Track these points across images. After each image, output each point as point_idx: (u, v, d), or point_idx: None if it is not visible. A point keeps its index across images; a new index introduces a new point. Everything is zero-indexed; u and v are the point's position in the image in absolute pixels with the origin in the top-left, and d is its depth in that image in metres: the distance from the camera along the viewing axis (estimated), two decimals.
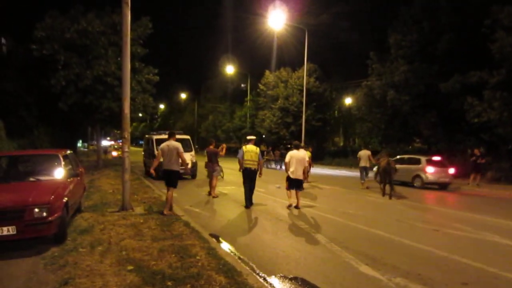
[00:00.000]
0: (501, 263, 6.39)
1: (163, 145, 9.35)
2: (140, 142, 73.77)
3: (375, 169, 16.98)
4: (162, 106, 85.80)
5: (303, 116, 30.85)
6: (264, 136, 43.98)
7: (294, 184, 10.85)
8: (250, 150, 10.74)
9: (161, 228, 7.88)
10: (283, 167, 12.82)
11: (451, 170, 17.52)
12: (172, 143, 9.32)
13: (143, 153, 23.50)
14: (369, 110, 28.04)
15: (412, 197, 14.12)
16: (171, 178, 9.40)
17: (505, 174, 19.95)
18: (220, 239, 7.68)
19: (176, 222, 8.48)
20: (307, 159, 16.00)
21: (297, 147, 10.89)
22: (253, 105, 49.66)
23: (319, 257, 6.56)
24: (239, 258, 6.42)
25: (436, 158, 18.02)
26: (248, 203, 10.94)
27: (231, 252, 6.79)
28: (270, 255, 6.68)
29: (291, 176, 10.70)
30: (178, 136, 12.20)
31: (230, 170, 19.39)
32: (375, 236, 8.09)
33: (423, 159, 17.86)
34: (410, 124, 26.03)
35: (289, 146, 32.76)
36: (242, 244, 7.36)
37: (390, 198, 13.42)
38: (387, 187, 14.01)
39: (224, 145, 13.72)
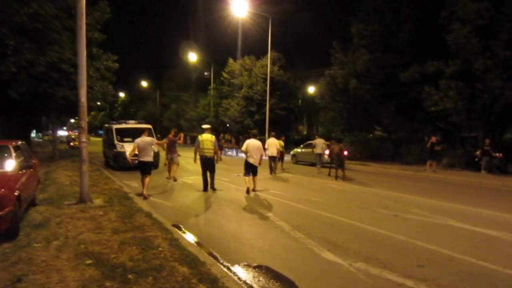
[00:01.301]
0: (454, 245, 6.68)
1: (138, 140, 10.90)
2: (100, 132, 71.14)
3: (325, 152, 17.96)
4: (122, 95, 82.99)
5: (267, 105, 30.59)
6: (228, 125, 43.54)
7: (250, 169, 11.61)
8: (206, 138, 11.46)
9: (122, 220, 7.66)
10: (239, 153, 14.43)
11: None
12: (145, 138, 10.94)
13: (103, 143, 22.76)
14: (332, 98, 28.31)
15: (370, 182, 14.58)
16: (146, 167, 10.99)
17: (458, 160, 20.92)
18: (183, 229, 7.57)
19: (138, 213, 8.27)
20: (278, 147, 17.55)
21: (254, 136, 11.99)
22: (217, 93, 48.82)
23: (282, 245, 6.60)
24: (203, 248, 6.34)
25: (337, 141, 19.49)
26: (205, 187, 11.75)
27: (195, 242, 6.70)
28: (234, 244, 6.65)
29: (249, 161, 11.49)
30: (139, 126, 12.01)
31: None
32: (338, 222, 8.24)
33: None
34: (371, 113, 26.57)
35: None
36: (205, 233, 7.28)
37: (343, 179, 14.90)
38: (339, 171, 15.28)
39: (182, 134, 15.05)
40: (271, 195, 11.24)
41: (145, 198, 10.42)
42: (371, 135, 31.16)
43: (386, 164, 23.01)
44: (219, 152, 23.49)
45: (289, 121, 41.39)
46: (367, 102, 25.87)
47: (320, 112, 35.52)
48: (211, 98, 50.09)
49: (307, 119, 46.10)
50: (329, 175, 16.39)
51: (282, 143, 18.70)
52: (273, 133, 18.40)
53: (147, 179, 10.92)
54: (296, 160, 23.99)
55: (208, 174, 11.76)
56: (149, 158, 10.99)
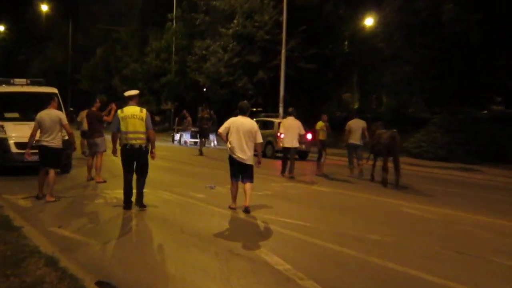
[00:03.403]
0: None
1: (42, 115, 7.59)
2: None
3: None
4: (1, 28, 47.64)
5: (282, 52, 18.71)
6: (205, 90, 26.89)
7: (237, 169, 7.09)
8: (131, 114, 6.87)
9: (2, 271, 4.20)
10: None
11: (309, 136, 14.86)
12: (52, 112, 7.67)
13: None
14: (408, 40, 16.93)
15: (470, 203, 9.07)
16: (50, 156, 7.55)
17: None
18: None
19: (31, 257, 4.55)
20: (302, 131, 11.08)
21: (244, 111, 7.22)
22: (184, 29, 30.15)
23: None
24: None
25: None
26: (128, 200, 7.09)
27: None
28: None
29: (233, 155, 7.02)
30: (34, 89, 9.46)
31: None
32: None
33: (276, 122, 15.74)
34: (483, 70, 15.90)
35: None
36: None
37: (396, 187, 9.94)
38: (388, 172, 10.24)
39: (114, 106, 9.51)
40: (280, 225, 6.39)
41: (47, 201, 7.35)
42: (484, 112, 19.19)
43: None
44: (202, 141, 17.56)
45: (324, 84, 24.02)
46: (475, 47, 15.28)
47: (384, 67, 21.04)
48: (172, 37, 30.42)
49: (359, 80, 27.17)
50: (372, 180, 11.03)
51: (322, 124, 12.11)
52: (290, 109, 11.63)
53: (51, 175, 7.51)
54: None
55: (134, 176, 7.11)
56: (55, 141, 7.57)
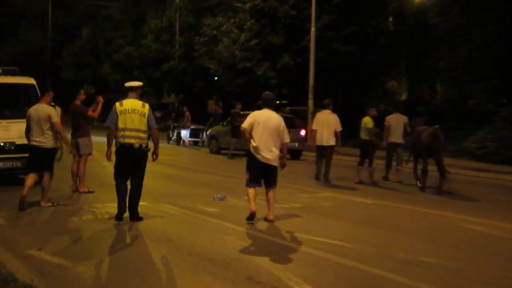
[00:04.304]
0: None
1: (30, 109, 7.16)
2: None
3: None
4: None
5: (312, 30, 16.06)
6: (216, 79, 23.16)
7: (259, 172, 6.21)
8: (131, 109, 6.08)
9: None
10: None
11: (302, 132, 13.99)
12: (43, 107, 7.08)
13: None
14: (468, 15, 14.28)
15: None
16: (43, 159, 6.98)
17: None
18: None
19: (6, 286, 3.85)
20: (339, 128, 9.65)
21: (267, 104, 6.40)
22: (191, 3, 25.43)
23: None
24: None
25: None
26: (121, 212, 6.12)
27: None
28: None
29: (256, 155, 6.13)
30: (9, 80, 8.06)
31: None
32: None
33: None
34: None
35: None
36: None
37: (439, 192, 8.87)
38: (425, 174, 9.26)
39: (101, 99, 8.31)
40: (311, 245, 5.30)
41: (42, 206, 6.82)
42: None
43: None
44: (235, 142, 14.29)
45: (363, 70, 19.78)
46: None
47: (439, 48, 17.91)
48: (175, 14, 25.44)
49: (408, 64, 22.95)
50: (418, 181, 9.72)
51: (368, 122, 10.16)
52: (326, 101, 10.26)
53: (45, 179, 6.93)
54: None
55: (130, 182, 6.23)
56: (46, 141, 6.94)
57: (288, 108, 17.86)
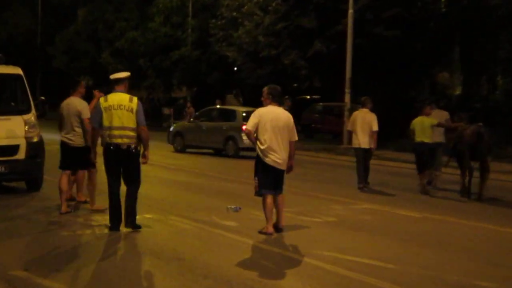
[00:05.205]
0: None
1: (63, 103, 6.76)
2: None
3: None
4: None
5: (349, 12, 14.33)
6: (236, 69, 20.51)
7: (271, 179, 5.61)
8: (117, 104, 5.50)
9: None
10: None
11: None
12: (75, 101, 6.66)
13: None
14: None
15: None
16: (74, 157, 6.50)
17: None
18: None
19: None
20: (375, 127, 8.82)
21: (276, 99, 5.79)
22: None
23: None
24: None
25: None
26: (115, 220, 5.54)
27: None
28: None
29: (265, 159, 5.52)
30: None
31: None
32: None
33: (240, 111, 13.85)
34: None
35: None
36: None
37: (479, 199, 8.14)
38: (470, 178, 8.33)
39: (97, 93, 7.13)
40: (348, 266, 4.52)
41: (78, 201, 6.84)
42: None
43: None
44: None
45: (410, 59, 17.38)
46: None
47: (501, 34, 15.98)
48: None
49: (462, 53, 19.66)
50: (467, 195, 8.47)
51: (431, 121, 9.00)
52: (364, 98, 9.34)
53: (79, 174, 6.75)
54: None
55: (124, 186, 5.71)
56: (75, 139, 6.56)
57: (321, 104, 16.41)
